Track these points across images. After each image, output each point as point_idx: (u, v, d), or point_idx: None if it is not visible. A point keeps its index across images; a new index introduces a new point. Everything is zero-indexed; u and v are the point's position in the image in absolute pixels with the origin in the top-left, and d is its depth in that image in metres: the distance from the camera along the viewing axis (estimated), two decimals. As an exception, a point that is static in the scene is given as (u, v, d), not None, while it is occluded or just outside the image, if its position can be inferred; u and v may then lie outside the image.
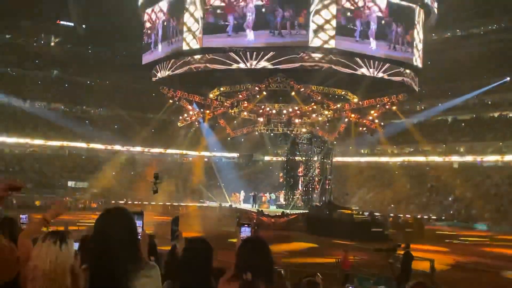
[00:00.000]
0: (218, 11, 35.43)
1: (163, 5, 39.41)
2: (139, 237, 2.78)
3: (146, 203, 42.22)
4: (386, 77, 36.77)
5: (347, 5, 34.74)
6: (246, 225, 3.73)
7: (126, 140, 55.02)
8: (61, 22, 63.87)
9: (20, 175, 48.70)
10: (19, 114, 53.60)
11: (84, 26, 62.98)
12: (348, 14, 34.80)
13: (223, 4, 35.21)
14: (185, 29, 36.63)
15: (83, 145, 54.21)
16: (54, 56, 60.27)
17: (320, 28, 34.28)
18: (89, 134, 52.82)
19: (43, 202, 41.79)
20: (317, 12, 34.25)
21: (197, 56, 36.82)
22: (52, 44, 64.51)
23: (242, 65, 35.11)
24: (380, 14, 35.50)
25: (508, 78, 52.39)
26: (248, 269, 2.92)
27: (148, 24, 41.62)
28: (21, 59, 57.72)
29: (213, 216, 36.84)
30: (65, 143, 53.55)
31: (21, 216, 5.70)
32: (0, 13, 54.12)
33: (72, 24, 63.21)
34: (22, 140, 51.77)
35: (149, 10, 41.29)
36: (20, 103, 54.06)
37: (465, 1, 47.73)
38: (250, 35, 34.65)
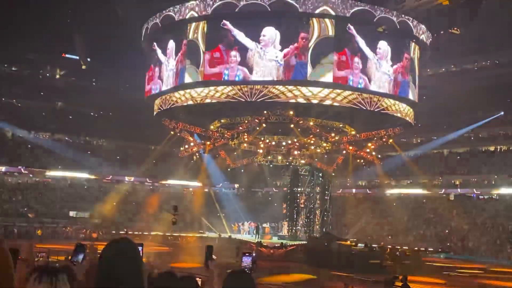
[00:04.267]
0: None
1: (166, 39, 39.93)
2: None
3: (147, 233, 42.63)
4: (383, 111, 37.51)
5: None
6: (247, 254, 3.81)
7: (128, 171, 55.43)
8: (66, 55, 65.19)
9: (22, 204, 49.16)
10: (23, 145, 54.11)
11: (88, 59, 64.31)
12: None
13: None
14: (187, 62, 37.16)
15: (85, 175, 54.46)
16: (59, 88, 61.04)
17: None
18: (91, 164, 52.92)
19: (44, 232, 42.26)
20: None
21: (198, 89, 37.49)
22: (57, 76, 65.67)
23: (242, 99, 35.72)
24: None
25: (502, 112, 53.15)
26: None
27: (150, 58, 42.22)
28: (26, 91, 58.34)
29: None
30: (67, 173, 53.77)
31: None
32: (7, 46, 55.22)
33: (77, 57, 64.56)
34: (25, 170, 51.90)
35: (152, 44, 41.88)
36: (24, 133, 54.65)
37: (459, 38, 48.96)
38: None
